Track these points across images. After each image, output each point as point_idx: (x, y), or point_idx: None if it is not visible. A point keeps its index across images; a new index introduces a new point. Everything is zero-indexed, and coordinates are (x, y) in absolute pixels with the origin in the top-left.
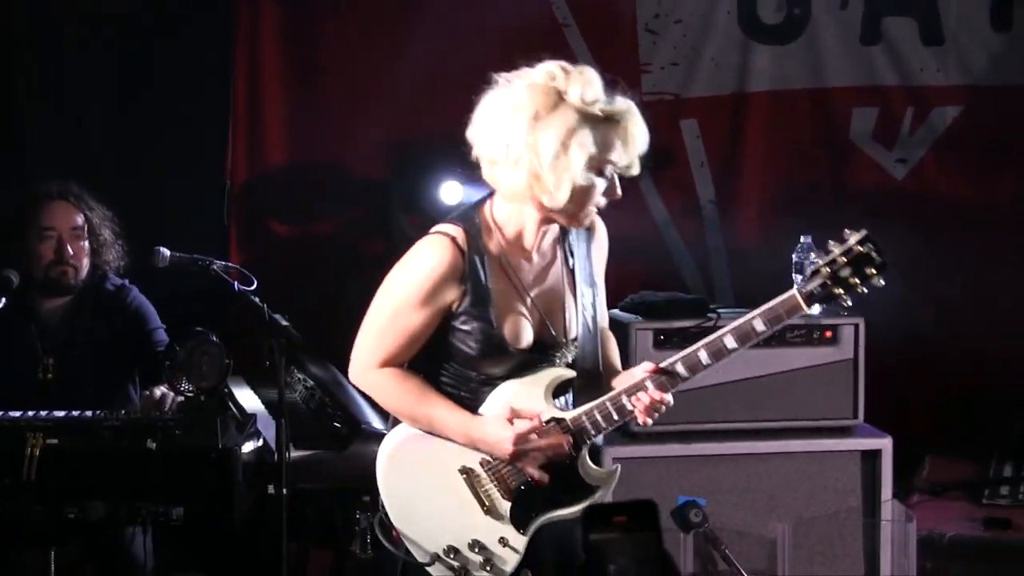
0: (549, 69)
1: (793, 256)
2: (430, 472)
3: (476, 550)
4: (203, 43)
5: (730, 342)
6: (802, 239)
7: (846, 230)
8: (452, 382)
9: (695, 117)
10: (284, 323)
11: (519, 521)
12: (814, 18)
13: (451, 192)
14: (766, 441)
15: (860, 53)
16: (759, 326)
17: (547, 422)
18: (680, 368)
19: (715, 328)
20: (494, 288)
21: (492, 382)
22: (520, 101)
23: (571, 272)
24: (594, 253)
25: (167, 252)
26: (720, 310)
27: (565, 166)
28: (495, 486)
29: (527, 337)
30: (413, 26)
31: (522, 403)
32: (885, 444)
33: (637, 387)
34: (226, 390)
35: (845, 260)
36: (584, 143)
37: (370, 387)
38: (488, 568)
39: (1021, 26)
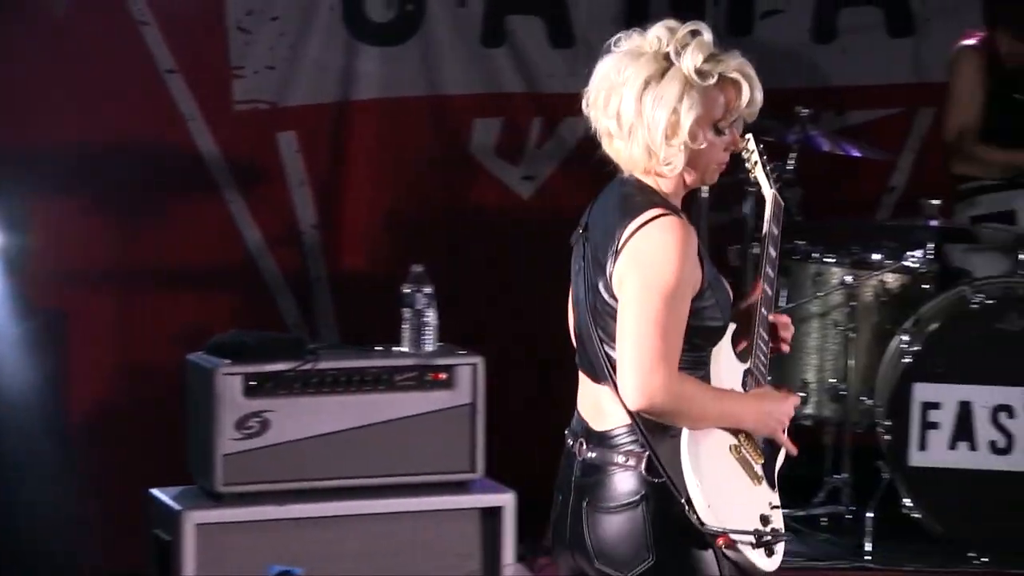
0: (657, 34)
1: (403, 288)
2: (717, 463)
3: (767, 523)
4: None
5: (771, 251)
6: (413, 268)
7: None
8: (687, 372)
9: (293, 129)
10: None
11: (770, 479)
12: (429, 15)
13: None
14: (374, 500)
15: (481, 56)
16: (774, 230)
17: (744, 377)
18: (766, 287)
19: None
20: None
21: (710, 358)
22: (628, 70)
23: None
24: None
25: None
26: (321, 349)
27: (676, 133)
28: (751, 452)
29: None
30: None
31: (729, 370)
32: (507, 500)
33: (763, 321)
34: None
35: (760, 150)
36: (694, 106)
37: (677, 400)
38: (775, 536)
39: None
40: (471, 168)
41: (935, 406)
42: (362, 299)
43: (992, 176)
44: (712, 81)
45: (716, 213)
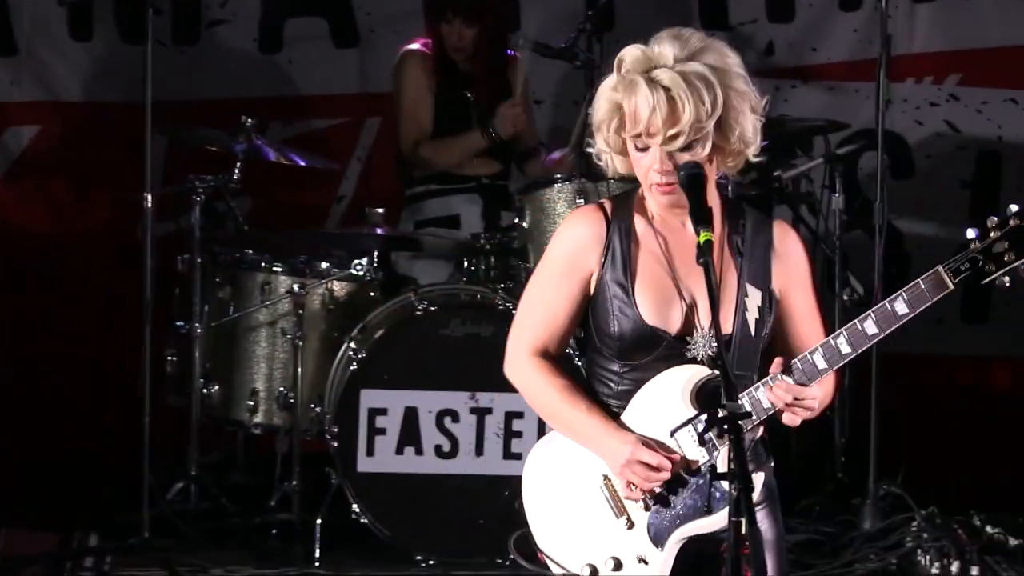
0: None
1: None
2: (573, 482)
3: (615, 568)
4: None
5: (871, 327)
6: None
7: (1012, 206)
8: (604, 384)
9: None
10: None
11: (657, 535)
12: None
13: None
14: None
15: None
16: (901, 308)
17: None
18: (818, 359)
19: None
20: (640, 261)
21: (639, 380)
22: None
23: (737, 268)
24: (777, 264)
25: None
26: None
27: (596, 130)
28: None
29: (672, 319)
30: None
31: (661, 407)
32: None
33: (769, 379)
34: None
35: (999, 234)
36: (598, 112)
37: (517, 379)
38: None
39: (104, 38)
40: None
41: (382, 412)
42: None
43: (441, 179)
44: (613, 85)
45: (163, 223)
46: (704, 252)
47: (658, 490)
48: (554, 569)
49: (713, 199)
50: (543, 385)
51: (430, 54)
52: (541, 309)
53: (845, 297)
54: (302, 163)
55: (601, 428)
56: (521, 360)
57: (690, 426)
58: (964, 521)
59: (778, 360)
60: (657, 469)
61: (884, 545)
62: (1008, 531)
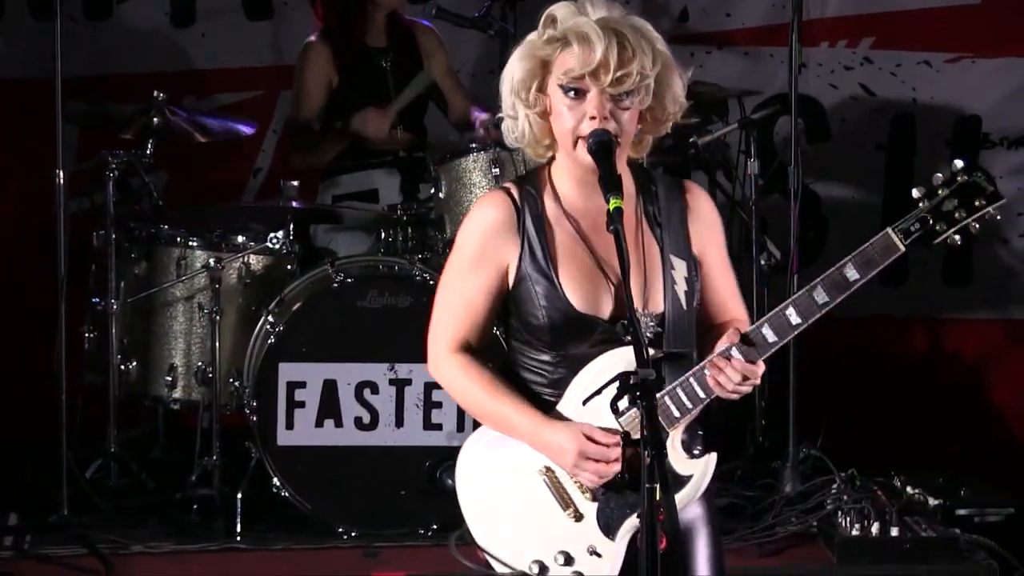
0: None
1: None
2: (511, 476)
3: (565, 563)
4: None
5: (820, 296)
6: None
7: (957, 161)
8: (532, 372)
9: None
10: None
11: (607, 525)
12: None
13: None
14: None
15: None
16: (851, 274)
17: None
18: (767, 332)
19: None
20: (559, 245)
21: (574, 367)
22: None
23: (658, 241)
24: (693, 226)
25: None
26: None
27: (513, 92)
28: (578, 486)
29: (602, 303)
30: None
31: (601, 382)
32: None
33: (720, 356)
34: None
35: (947, 191)
36: (518, 67)
37: (442, 378)
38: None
39: (14, 14)
40: None
41: (301, 385)
42: None
43: (358, 154)
44: (543, 39)
45: (77, 200)
46: (615, 219)
47: (591, 485)
48: (498, 568)
49: (624, 171)
50: (468, 384)
51: (327, 42)
52: (457, 304)
53: (762, 262)
54: (216, 129)
55: (540, 424)
56: (443, 358)
57: (634, 410)
58: (884, 482)
59: (731, 332)
60: (607, 461)
61: (805, 508)
62: (928, 491)
